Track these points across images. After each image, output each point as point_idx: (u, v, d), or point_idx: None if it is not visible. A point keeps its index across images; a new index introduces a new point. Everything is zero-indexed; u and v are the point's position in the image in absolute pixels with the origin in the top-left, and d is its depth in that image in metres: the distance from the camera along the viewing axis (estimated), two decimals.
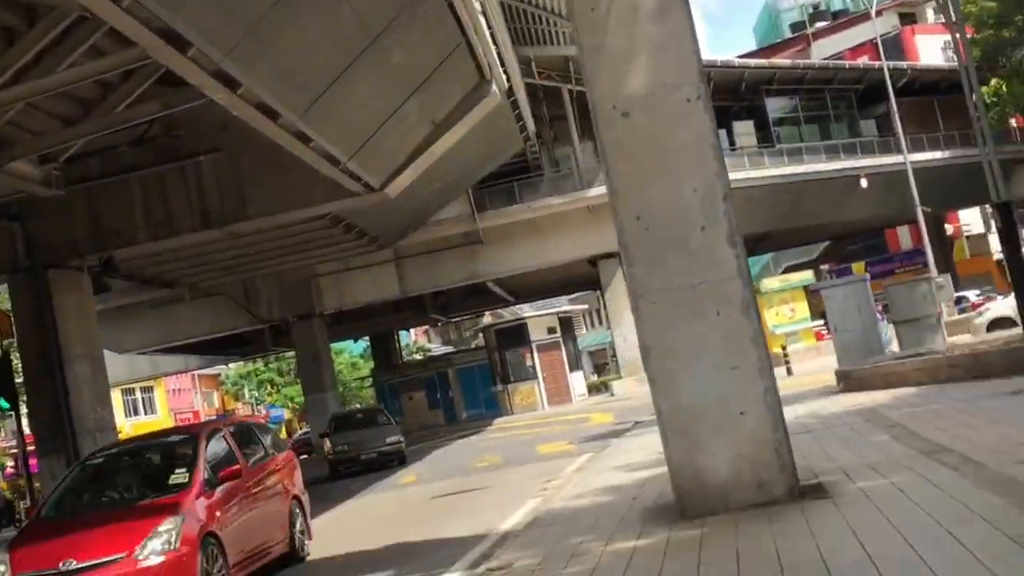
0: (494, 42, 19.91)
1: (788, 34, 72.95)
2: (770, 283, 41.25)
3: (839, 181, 45.99)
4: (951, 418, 10.70)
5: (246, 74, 12.82)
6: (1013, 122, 56.27)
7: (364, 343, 72.03)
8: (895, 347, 21.89)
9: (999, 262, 56.37)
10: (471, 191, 39.20)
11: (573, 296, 66.88)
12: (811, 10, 74.38)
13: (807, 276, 43.59)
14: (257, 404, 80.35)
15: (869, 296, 21.59)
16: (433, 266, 40.85)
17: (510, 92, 28.84)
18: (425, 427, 44.65)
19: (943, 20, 63.31)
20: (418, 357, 70.39)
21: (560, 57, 40.12)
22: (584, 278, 46.85)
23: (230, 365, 73.58)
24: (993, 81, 14.98)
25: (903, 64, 50.77)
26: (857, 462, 8.71)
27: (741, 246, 7.35)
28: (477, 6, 17.04)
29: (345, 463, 25.07)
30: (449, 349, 74.67)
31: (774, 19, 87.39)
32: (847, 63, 50.47)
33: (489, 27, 19.35)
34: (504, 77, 21.82)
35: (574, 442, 20.16)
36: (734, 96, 45.64)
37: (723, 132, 45.99)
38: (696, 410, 7.39)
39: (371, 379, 60.16)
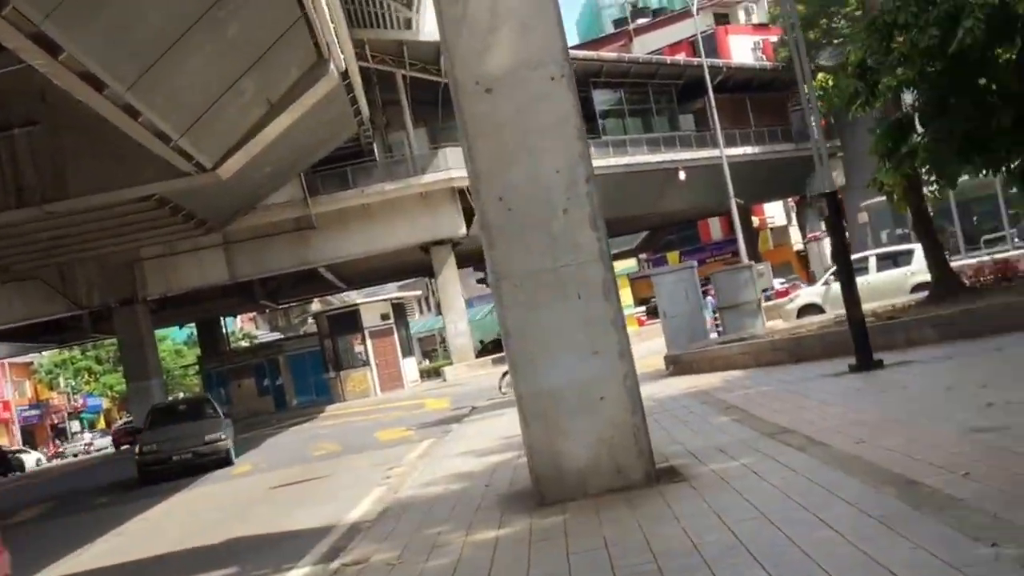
0: (332, 21, 19.46)
1: (610, 29, 74.69)
2: None
3: (660, 173, 47.30)
4: (784, 400, 10.97)
5: (69, 39, 12.00)
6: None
7: (189, 330, 69.73)
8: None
9: (799, 252, 59.28)
10: (304, 175, 38.42)
11: (402, 283, 66.51)
12: (631, 7, 76.41)
13: (630, 265, 44.54)
14: (74, 393, 76.80)
15: (696, 283, 22.16)
16: (263, 251, 39.82)
17: (345, 75, 28.32)
18: (255, 414, 43.53)
19: (754, 22, 66.39)
20: (244, 344, 68.63)
21: (394, 41, 39.64)
22: (416, 265, 46.59)
23: (43, 353, 69.96)
24: (820, 76, 15.68)
25: (719, 62, 52.55)
26: (704, 444, 8.78)
27: (603, 229, 7.27)
28: None
29: (154, 465, 21.29)
30: (277, 336, 73.05)
31: (596, 14, 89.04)
32: (668, 59, 51.91)
33: (327, 5, 18.86)
34: (342, 57, 21.35)
35: (412, 428, 19.92)
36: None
37: None
38: (556, 394, 7.26)
39: (197, 367, 58.27)
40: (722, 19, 66.15)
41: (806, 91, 13.41)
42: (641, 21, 71.24)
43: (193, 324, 60.37)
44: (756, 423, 9.57)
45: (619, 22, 75.40)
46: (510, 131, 7.24)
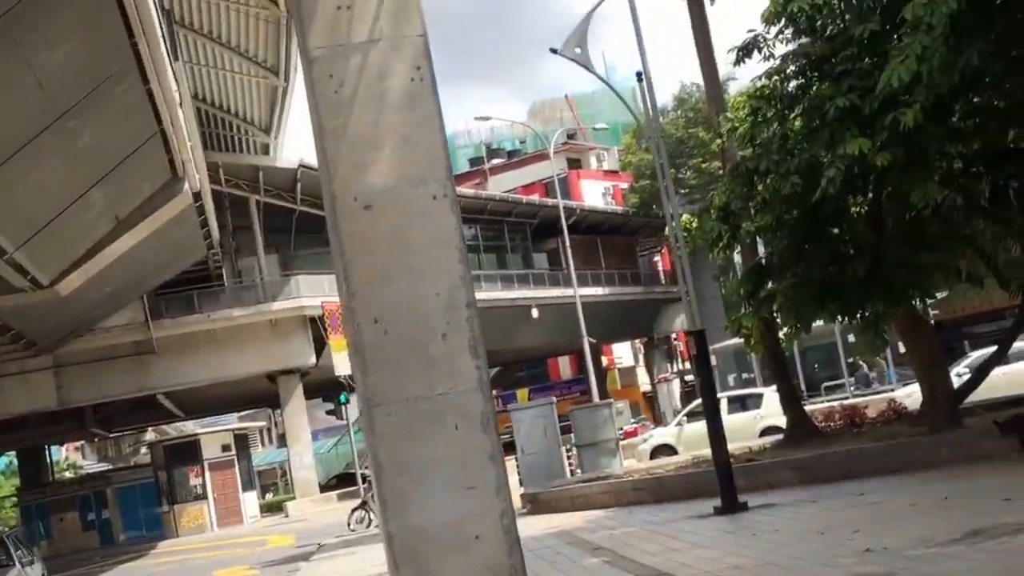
0: (188, 138, 18.89)
1: (466, 167, 76.08)
2: None
3: (513, 310, 47.56)
4: (653, 541, 10.66)
5: None
6: (660, 265, 61.42)
7: (8, 458, 65.29)
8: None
9: (645, 393, 60.28)
10: (147, 297, 36.96)
11: (243, 413, 64.30)
12: (486, 148, 78.26)
13: None
14: None
15: (555, 420, 21.94)
16: (98, 376, 37.79)
17: (197, 196, 27.61)
18: (78, 551, 40.63)
19: (605, 168, 68.80)
20: (69, 475, 64.61)
21: (250, 166, 39.21)
22: (260, 394, 45.14)
23: None
24: (684, 216, 15.98)
25: (573, 204, 53.92)
26: None
27: (483, 357, 6.87)
28: (176, 97, 16.02)
29: None
30: (106, 467, 69.12)
31: (452, 153, 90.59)
32: (524, 198, 52.96)
33: (184, 122, 18.32)
34: (196, 177, 20.70)
35: (256, 567, 18.72)
36: None
37: None
38: (429, 533, 6.71)
39: (16, 498, 54.34)
40: (575, 164, 68.23)
41: (674, 230, 13.51)
42: (496, 161, 72.87)
43: (13, 452, 56.42)
44: (629, 565, 9.23)
45: (475, 161, 76.97)
46: (389, 250, 6.83)
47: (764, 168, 13.29)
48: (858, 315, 14.68)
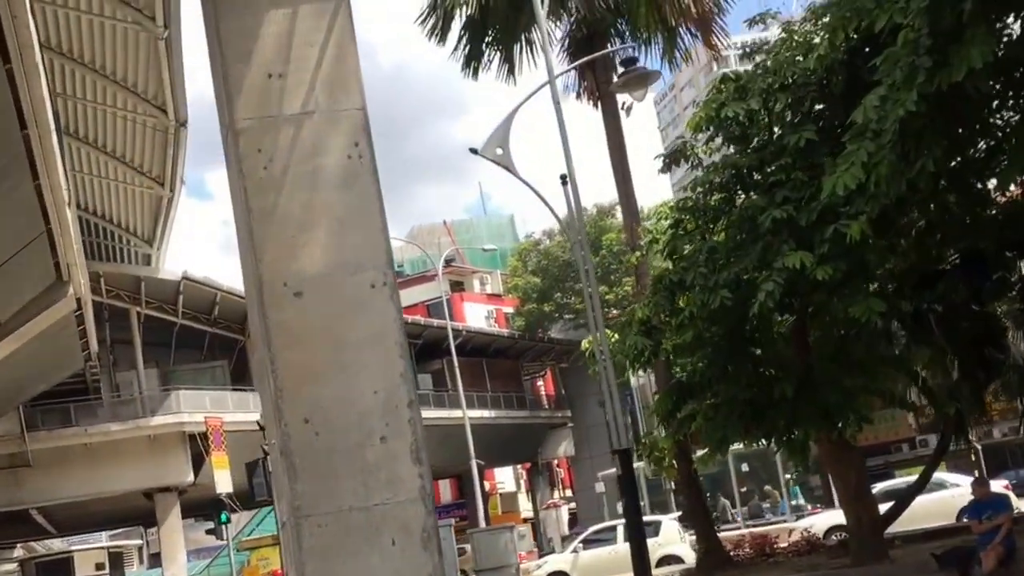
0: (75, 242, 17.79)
1: None
2: None
3: (435, 429, 46.21)
4: None
5: None
6: (543, 389, 61.09)
7: None
8: None
9: (527, 519, 59.26)
10: (22, 408, 34.80)
11: (114, 532, 60.91)
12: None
13: None
14: None
15: (452, 542, 21.06)
16: None
17: (79, 303, 26.19)
18: None
19: (488, 291, 68.69)
20: None
21: (131, 277, 37.64)
22: (137, 511, 42.59)
23: None
24: (608, 331, 15.62)
25: (459, 325, 53.39)
26: None
27: (426, 464, 6.13)
28: (65, 197, 15.03)
29: None
30: None
31: None
32: (410, 318, 52.11)
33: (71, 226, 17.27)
34: (81, 282, 19.50)
35: None
36: None
37: None
38: None
39: None
40: (457, 286, 67.82)
41: (598, 341, 12.99)
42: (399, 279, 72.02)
43: None
44: None
45: None
46: (321, 342, 6.10)
47: (690, 281, 12.79)
48: (784, 438, 14.18)
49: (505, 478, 65.22)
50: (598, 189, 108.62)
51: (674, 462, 16.55)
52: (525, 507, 62.01)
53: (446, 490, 63.93)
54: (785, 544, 18.86)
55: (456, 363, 41.32)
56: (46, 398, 35.21)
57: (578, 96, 19.27)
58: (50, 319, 17.77)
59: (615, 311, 54.58)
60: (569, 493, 61.23)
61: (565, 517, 53.31)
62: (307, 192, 6.32)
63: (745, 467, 34.03)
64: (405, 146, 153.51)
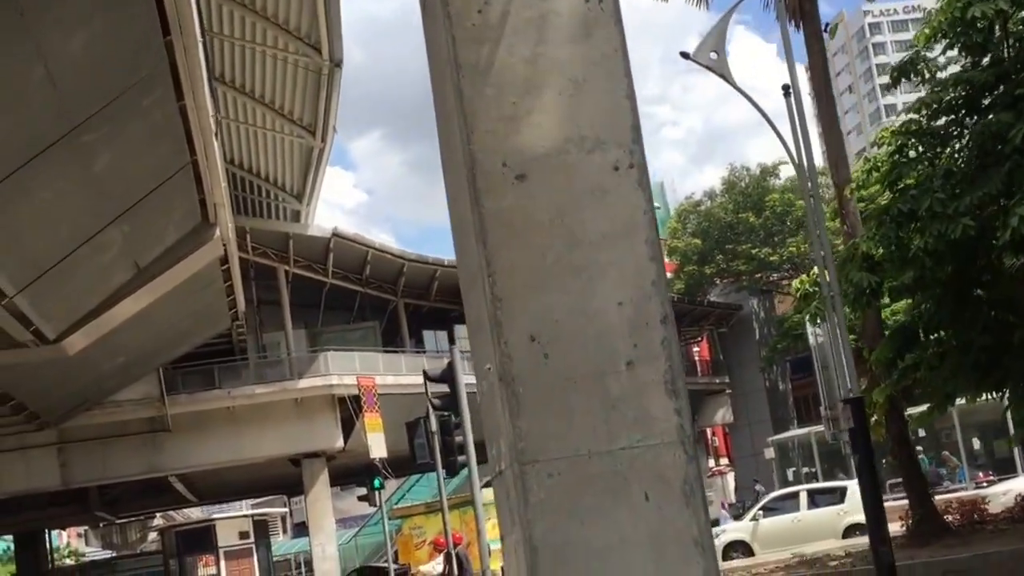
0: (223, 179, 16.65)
1: None
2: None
3: None
4: None
5: None
6: (698, 355, 58.88)
7: (7, 543, 62.07)
8: None
9: None
10: (162, 370, 34.44)
11: (255, 501, 61.32)
12: None
13: None
14: None
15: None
16: (106, 454, 34.97)
17: (224, 259, 25.44)
18: None
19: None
20: (70, 562, 61.22)
21: (279, 233, 37.04)
22: (280, 480, 42.28)
23: None
24: (802, 278, 13.80)
25: None
26: None
27: (684, 397, 4.44)
28: (212, 125, 13.80)
29: None
30: (110, 554, 65.79)
31: None
32: None
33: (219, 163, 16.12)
34: (228, 226, 18.43)
35: None
36: (456, 298, 43.88)
37: (444, 334, 44.12)
38: None
39: None
40: None
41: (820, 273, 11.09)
42: None
43: (10, 537, 53.10)
44: None
45: None
46: (550, 239, 4.44)
47: (924, 210, 10.87)
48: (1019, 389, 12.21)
49: None
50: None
51: (883, 419, 14.57)
52: None
53: None
54: (998, 510, 16.91)
55: None
56: (188, 360, 34.79)
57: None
58: (195, 265, 16.66)
59: (774, 275, 52.32)
60: (725, 461, 59.05)
61: (732, 485, 51.61)
62: (532, 45, 4.63)
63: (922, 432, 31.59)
64: None
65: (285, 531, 69.90)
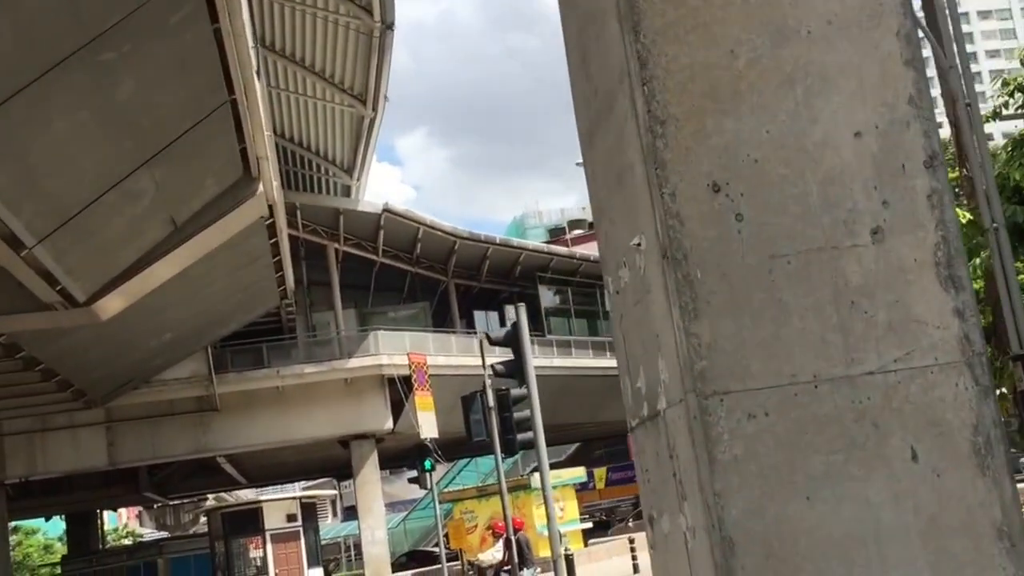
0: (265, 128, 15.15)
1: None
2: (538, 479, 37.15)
3: (603, 380, 43.53)
4: None
5: None
6: None
7: (63, 523, 61.99)
8: None
9: None
10: (211, 348, 33.39)
11: (307, 484, 60.53)
12: (568, 222, 75.62)
13: (578, 473, 40.13)
14: None
15: None
16: (154, 434, 34.15)
17: (272, 232, 24.12)
18: None
19: None
20: (127, 543, 61.01)
21: (330, 209, 35.82)
22: (332, 461, 41.22)
23: None
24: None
25: None
26: None
27: (969, 291, 2.78)
28: (253, 61, 12.31)
29: None
30: (163, 535, 65.45)
31: (522, 233, 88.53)
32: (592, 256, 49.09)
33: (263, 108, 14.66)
34: (273, 184, 16.96)
35: None
36: (507, 279, 42.89)
37: (495, 315, 42.91)
38: None
39: (60, 567, 50.71)
40: None
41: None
42: (577, 232, 69.79)
43: (64, 516, 52.87)
44: None
45: (554, 232, 74.27)
46: (743, 26, 2.79)
47: None
48: None
49: None
50: None
51: None
52: None
53: None
54: None
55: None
56: (238, 338, 33.75)
57: None
58: (238, 224, 15.16)
59: None
60: None
61: None
62: None
63: None
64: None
65: (336, 514, 69.18)
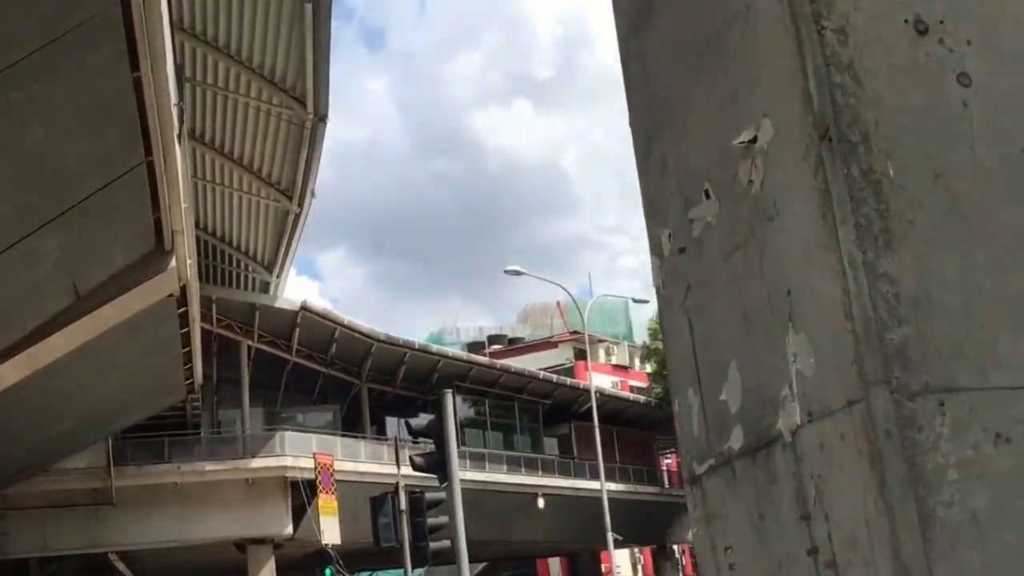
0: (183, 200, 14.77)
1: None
2: None
3: (516, 496, 42.92)
4: None
5: None
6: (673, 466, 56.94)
7: None
8: None
9: None
10: (112, 439, 32.23)
11: None
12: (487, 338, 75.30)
13: None
14: None
15: None
16: (47, 525, 32.59)
17: (184, 321, 23.53)
18: None
19: (613, 362, 64.88)
20: None
21: (246, 304, 35.16)
22: (228, 564, 39.50)
23: None
24: None
25: (595, 385, 50.08)
26: None
27: None
28: (175, 124, 12.01)
29: None
30: None
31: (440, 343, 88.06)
32: (541, 373, 48.77)
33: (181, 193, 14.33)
34: (188, 264, 16.50)
35: None
36: (423, 387, 42.29)
37: (400, 421, 42.13)
38: None
39: None
40: (581, 355, 64.90)
41: None
42: (496, 347, 69.31)
43: None
44: None
45: (472, 346, 73.66)
46: None
47: None
48: None
49: (621, 561, 60.92)
50: None
51: None
52: None
53: (555, 569, 60.70)
54: None
55: (596, 427, 38.21)
56: (140, 430, 32.67)
57: None
58: (144, 299, 14.61)
59: None
60: None
61: None
62: None
63: None
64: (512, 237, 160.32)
65: None
